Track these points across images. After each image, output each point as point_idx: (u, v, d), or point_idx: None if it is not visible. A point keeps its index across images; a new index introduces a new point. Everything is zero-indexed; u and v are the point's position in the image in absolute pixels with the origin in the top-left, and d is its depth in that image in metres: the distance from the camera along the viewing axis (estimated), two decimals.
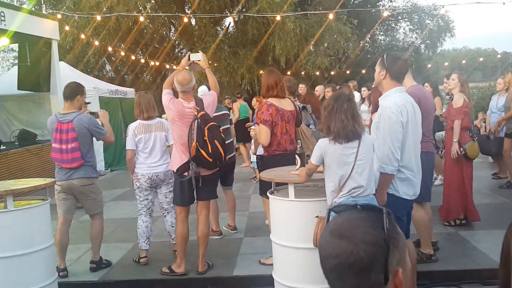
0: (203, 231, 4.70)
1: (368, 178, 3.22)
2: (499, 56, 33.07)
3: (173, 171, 4.60)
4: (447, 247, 5.02)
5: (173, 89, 4.64)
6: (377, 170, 3.34)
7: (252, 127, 5.09)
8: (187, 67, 4.76)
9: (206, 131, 4.34)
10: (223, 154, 4.46)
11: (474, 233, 5.46)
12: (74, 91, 4.83)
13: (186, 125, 4.40)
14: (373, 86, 4.96)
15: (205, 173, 4.51)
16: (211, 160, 4.38)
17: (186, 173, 4.47)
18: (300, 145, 4.12)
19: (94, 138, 4.91)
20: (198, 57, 4.71)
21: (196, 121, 4.37)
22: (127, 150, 5.07)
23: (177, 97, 4.58)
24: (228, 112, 6.20)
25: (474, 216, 5.66)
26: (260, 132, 4.65)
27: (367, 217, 1.17)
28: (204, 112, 4.44)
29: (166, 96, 4.52)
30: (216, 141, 4.38)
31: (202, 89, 5.81)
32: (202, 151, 4.33)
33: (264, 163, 4.77)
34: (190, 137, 4.37)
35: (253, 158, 8.90)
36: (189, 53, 4.76)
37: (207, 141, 4.33)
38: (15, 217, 3.84)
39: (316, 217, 3.38)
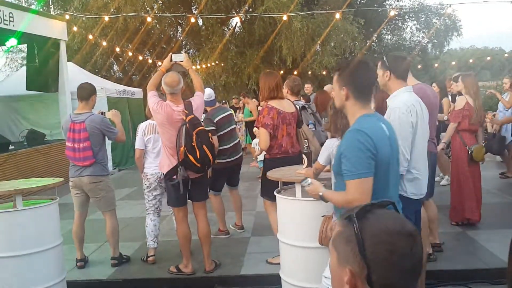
0: (203, 231, 4.69)
1: None
2: (506, 55, 32.85)
3: (163, 173, 4.59)
4: (454, 247, 5.01)
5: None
6: None
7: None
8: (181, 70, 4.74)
9: (194, 136, 4.29)
10: (211, 159, 4.43)
11: (482, 232, 5.44)
12: (89, 92, 4.97)
13: (175, 129, 4.34)
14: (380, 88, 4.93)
15: (194, 176, 4.47)
16: (199, 165, 4.33)
17: (175, 177, 4.43)
18: (307, 144, 4.11)
19: (106, 138, 5.03)
20: (181, 57, 4.63)
21: (184, 126, 4.32)
22: (136, 149, 5.13)
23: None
24: (232, 113, 6.19)
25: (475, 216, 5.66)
26: (260, 136, 4.63)
27: (397, 213, 1.20)
28: (193, 115, 4.38)
29: (153, 98, 4.42)
30: (204, 146, 4.32)
31: (209, 91, 5.80)
32: (190, 156, 4.28)
33: (266, 166, 4.73)
34: (178, 142, 4.32)
35: (260, 158, 8.92)
36: (171, 54, 4.68)
37: (195, 146, 4.28)
38: (24, 216, 3.87)
39: (323, 216, 3.39)
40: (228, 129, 5.65)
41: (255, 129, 4.97)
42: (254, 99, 13.21)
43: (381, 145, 2.39)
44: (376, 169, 2.36)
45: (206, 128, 4.59)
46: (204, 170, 4.51)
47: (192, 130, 4.29)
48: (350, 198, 2.34)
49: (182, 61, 4.63)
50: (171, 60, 4.60)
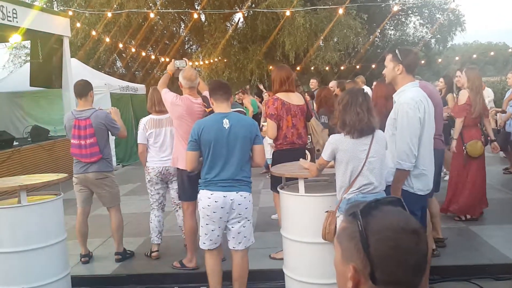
0: None
1: (379, 176, 3.21)
2: (510, 50, 32.69)
3: (177, 168, 4.64)
4: (458, 242, 5.01)
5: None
6: (394, 167, 3.32)
7: (263, 123, 5.12)
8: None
9: None
10: None
11: (485, 228, 5.44)
12: (85, 88, 5.00)
13: (194, 120, 4.37)
14: (375, 82, 4.89)
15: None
16: None
17: None
18: (310, 140, 4.12)
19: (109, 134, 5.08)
20: (183, 64, 4.88)
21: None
22: (139, 144, 5.16)
23: None
24: (243, 110, 6.22)
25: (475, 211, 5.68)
26: (267, 126, 4.74)
27: (402, 210, 1.20)
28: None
29: (169, 93, 4.59)
30: None
31: None
32: None
33: (274, 159, 4.81)
34: None
35: (267, 156, 8.92)
36: (173, 60, 4.95)
37: None
38: (29, 211, 3.89)
39: (326, 212, 3.40)
40: None
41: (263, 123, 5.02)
42: (261, 92, 13.13)
43: (208, 132, 3.67)
44: (201, 148, 3.72)
45: None
46: None
47: None
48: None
49: (184, 67, 4.85)
50: (174, 65, 4.87)
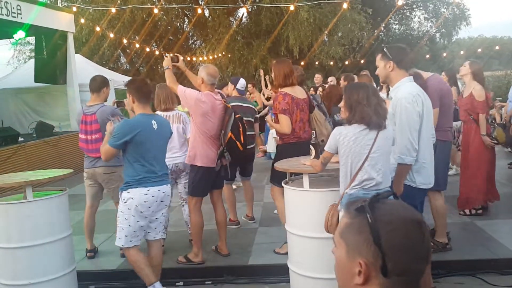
0: (223, 216, 4.88)
1: (382, 172, 3.16)
2: None
3: (193, 164, 4.66)
4: (463, 237, 5.00)
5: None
6: (396, 162, 3.32)
7: (267, 117, 5.13)
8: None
9: (239, 123, 4.61)
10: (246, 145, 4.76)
11: (491, 222, 5.42)
12: (99, 84, 5.03)
13: (216, 117, 4.53)
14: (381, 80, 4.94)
15: (225, 163, 4.69)
16: (242, 149, 4.59)
17: (218, 161, 4.62)
18: (314, 135, 4.10)
19: None
20: (175, 59, 4.90)
21: (233, 113, 4.60)
22: None
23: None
24: (253, 107, 6.26)
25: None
26: (281, 122, 4.67)
27: (403, 202, 1.21)
28: (230, 104, 4.69)
29: (190, 90, 4.55)
30: (242, 132, 4.65)
31: (244, 82, 6.13)
32: (237, 142, 4.58)
33: (279, 152, 4.81)
34: (226, 129, 4.56)
35: (269, 149, 8.92)
36: (168, 55, 4.94)
37: (241, 132, 4.60)
38: (34, 207, 3.90)
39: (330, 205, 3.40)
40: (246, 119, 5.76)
41: (267, 117, 5.01)
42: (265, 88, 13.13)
43: (143, 133, 3.73)
44: (134, 147, 3.75)
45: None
46: (241, 155, 4.80)
47: (238, 117, 4.63)
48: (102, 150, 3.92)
49: (177, 63, 4.85)
50: (171, 60, 4.84)
